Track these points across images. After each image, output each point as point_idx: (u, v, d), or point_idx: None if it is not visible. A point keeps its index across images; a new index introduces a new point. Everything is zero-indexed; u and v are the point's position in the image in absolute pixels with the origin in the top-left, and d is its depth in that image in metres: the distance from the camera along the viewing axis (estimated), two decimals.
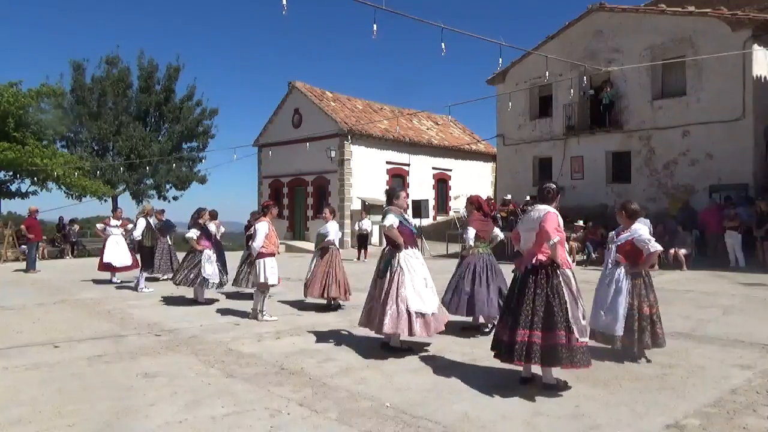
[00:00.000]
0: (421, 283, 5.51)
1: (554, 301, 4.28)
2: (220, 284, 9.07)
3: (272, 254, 7.56)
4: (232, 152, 28.23)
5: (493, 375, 4.76)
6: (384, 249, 5.79)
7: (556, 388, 4.34)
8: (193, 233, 8.90)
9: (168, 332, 6.79)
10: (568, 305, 4.29)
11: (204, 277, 8.75)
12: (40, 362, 5.35)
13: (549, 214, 4.37)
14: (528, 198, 17.48)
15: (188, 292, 9.26)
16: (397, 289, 5.40)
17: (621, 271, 5.26)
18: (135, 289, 10.56)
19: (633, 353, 5.27)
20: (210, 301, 9.08)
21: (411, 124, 26.68)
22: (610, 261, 5.39)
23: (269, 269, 7.42)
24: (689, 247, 13.33)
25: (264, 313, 7.52)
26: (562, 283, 4.34)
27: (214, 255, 9.09)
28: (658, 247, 5.28)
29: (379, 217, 6.22)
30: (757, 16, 14.88)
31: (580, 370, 4.37)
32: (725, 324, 6.85)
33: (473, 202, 6.76)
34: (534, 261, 4.38)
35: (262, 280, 7.41)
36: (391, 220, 5.56)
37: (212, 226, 9.71)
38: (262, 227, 7.45)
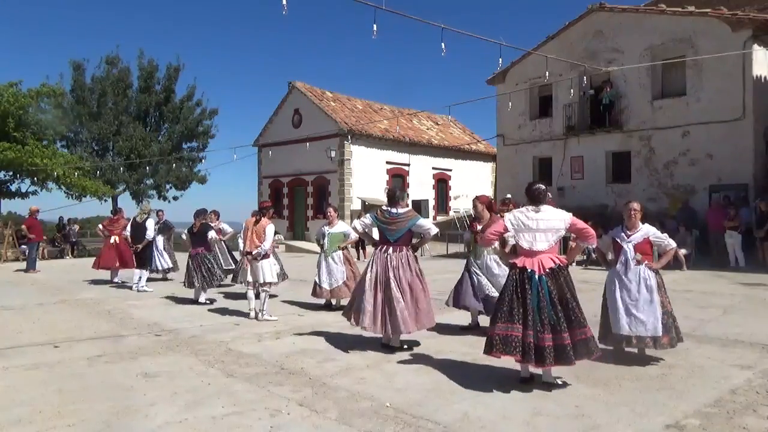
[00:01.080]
0: None
1: (573, 298, 4.35)
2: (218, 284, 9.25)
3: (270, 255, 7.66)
4: (232, 152, 28.14)
5: (493, 375, 4.75)
6: (395, 250, 5.70)
7: (556, 387, 4.35)
8: (215, 234, 9.26)
9: (168, 332, 6.79)
10: (578, 301, 4.41)
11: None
12: (40, 362, 5.35)
13: (575, 218, 4.46)
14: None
15: (188, 292, 9.26)
16: (422, 289, 5.66)
17: (645, 270, 5.17)
18: (137, 289, 10.54)
19: (633, 352, 5.26)
20: (210, 301, 9.08)
21: (411, 124, 26.68)
22: (630, 260, 5.20)
23: (274, 269, 7.60)
24: (689, 247, 13.33)
25: (264, 312, 7.52)
26: (572, 281, 4.44)
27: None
28: (675, 243, 5.37)
29: None
30: (757, 16, 14.89)
31: (579, 366, 4.41)
32: (725, 324, 6.85)
33: (484, 202, 6.58)
34: (560, 262, 4.40)
35: (269, 279, 7.46)
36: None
37: (226, 226, 9.82)
38: (272, 229, 7.54)
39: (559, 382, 4.43)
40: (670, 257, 5.37)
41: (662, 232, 5.48)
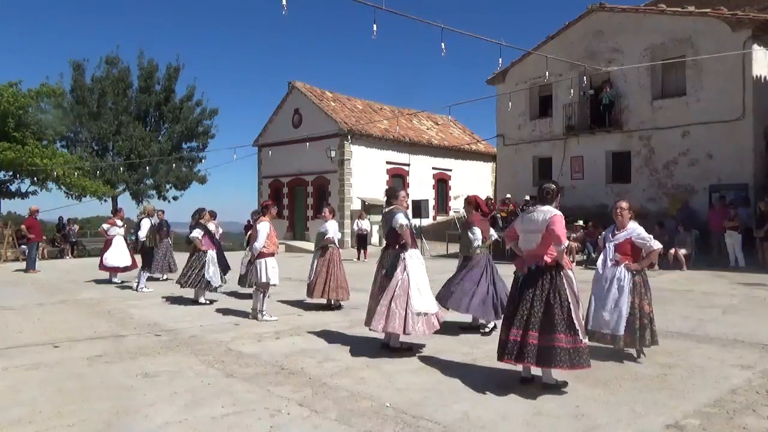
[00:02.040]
0: (425, 282, 5.60)
1: (558, 302, 4.29)
2: (218, 286, 9.09)
3: (272, 254, 7.58)
4: (232, 152, 28.28)
5: (493, 375, 4.76)
6: (386, 248, 5.75)
7: (556, 388, 4.34)
8: (197, 233, 8.98)
9: (168, 332, 6.79)
10: (571, 306, 4.31)
11: (207, 280, 8.79)
12: (40, 362, 5.36)
13: (557, 216, 4.34)
14: (527, 198, 17.48)
15: (188, 292, 9.25)
16: (404, 289, 5.46)
17: (622, 270, 5.23)
18: (135, 289, 10.56)
19: (632, 352, 5.28)
20: (210, 301, 9.08)
21: (411, 124, 26.68)
22: (609, 260, 5.33)
23: (270, 269, 7.46)
24: (689, 247, 13.33)
25: (264, 313, 7.52)
26: (566, 285, 4.36)
27: (216, 256, 9.13)
28: (659, 245, 5.32)
29: (378, 217, 6.21)
30: (757, 16, 14.89)
31: (581, 370, 4.38)
32: (725, 324, 6.85)
33: (471, 203, 6.70)
34: (539, 262, 4.36)
35: (264, 279, 7.42)
36: (404, 219, 5.58)
37: (212, 226, 9.70)
38: (264, 227, 7.47)
39: (559, 383, 4.42)
40: (652, 259, 5.39)
41: (662, 232, 5.49)
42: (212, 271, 8.84)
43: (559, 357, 4.19)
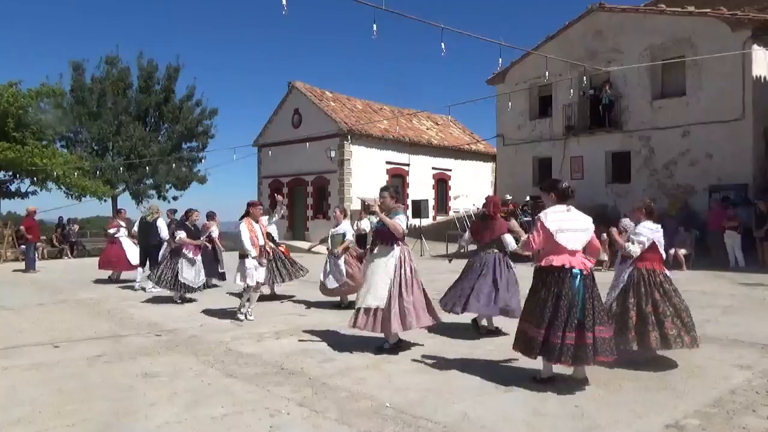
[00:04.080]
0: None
1: (599, 298, 4.39)
2: (196, 289, 9.07)
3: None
4: (232, 152, 28.29)
5: (493, 375, 4.75)
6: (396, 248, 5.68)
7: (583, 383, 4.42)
8: (182, 234, 8.96)
9: (168, 332, 6.79)
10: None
11: (182, 282, 8.84)
12: (40, 362, 5.36)
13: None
14: (528, 198, 17.47)
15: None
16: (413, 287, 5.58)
17: None
18: (145, 289, 10.37)
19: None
20: (189, 300, 9.09)
21: (411, 124, 26.67)
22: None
23: (247, 270, 7.44)
24: (689, 247, 13.32)
25: (244, 312, 7.47)
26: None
27: (198, 258, 9.09)
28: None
29: (377, 217, 6.09)
30: (757, 16, 14.88)
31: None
32: (725, 324, 6.85)
33: (497, 204, 6.57)
34: (591, 263, 4.43)
35: (242, 282, 7.46)
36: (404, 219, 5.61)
37: (214, 228, 9.70)
38: (243, 228, 7.46)
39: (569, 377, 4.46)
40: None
41: (663, 232, 5.53)
42: (189, 275, 8.89)
43: (611, 347, 4.32)
